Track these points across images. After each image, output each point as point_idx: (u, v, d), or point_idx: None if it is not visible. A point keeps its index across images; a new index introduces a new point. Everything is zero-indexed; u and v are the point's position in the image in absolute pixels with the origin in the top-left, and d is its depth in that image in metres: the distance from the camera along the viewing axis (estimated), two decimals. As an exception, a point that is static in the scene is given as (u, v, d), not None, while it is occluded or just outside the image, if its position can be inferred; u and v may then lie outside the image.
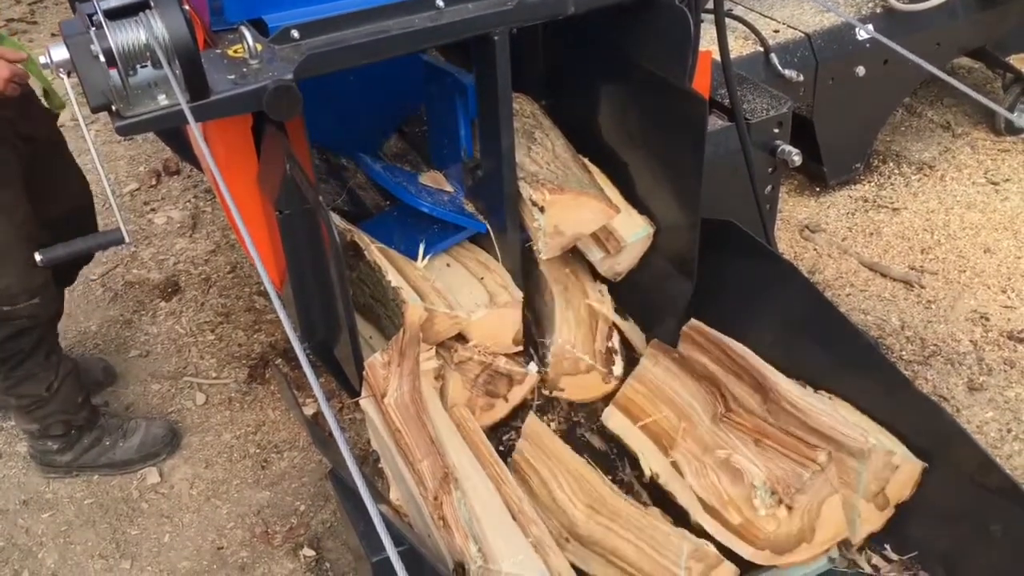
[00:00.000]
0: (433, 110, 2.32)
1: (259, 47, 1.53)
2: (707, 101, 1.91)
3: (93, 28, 1.36)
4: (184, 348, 2.97)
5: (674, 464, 1.94)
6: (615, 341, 2.22)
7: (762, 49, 3.04)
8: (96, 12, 1.35)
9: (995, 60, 3.67)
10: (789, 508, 1.77)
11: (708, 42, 2.16)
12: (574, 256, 2.25)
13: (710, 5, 2.20)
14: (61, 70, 1.44)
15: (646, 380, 2.10)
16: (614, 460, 2.10)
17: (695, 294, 2.07)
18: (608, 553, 1.82)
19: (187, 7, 1.37)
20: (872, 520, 1.85)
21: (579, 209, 2.02)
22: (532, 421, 2.09)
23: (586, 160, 2.18)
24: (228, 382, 2.83)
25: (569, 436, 2.16)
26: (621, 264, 2.17)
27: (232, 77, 1.49)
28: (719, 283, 2.07)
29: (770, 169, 2.67)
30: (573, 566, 1.79)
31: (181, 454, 2.62)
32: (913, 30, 3.21)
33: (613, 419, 2.12)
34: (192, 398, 2.79)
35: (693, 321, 2.08)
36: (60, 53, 1.43)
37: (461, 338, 2.03)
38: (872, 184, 3.54)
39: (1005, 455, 2.44)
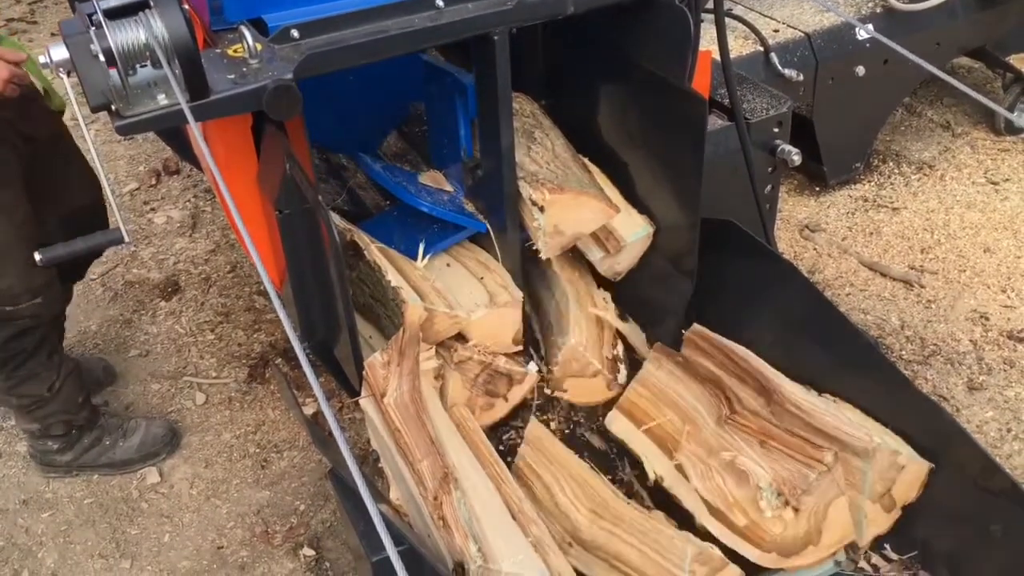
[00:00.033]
0: (433, 110, 2.32)
1: (259, 47, 1.53)
2: (707, 101, 1.91)
3: (93, 28, 1.36)
4: (184, 348, 2.97)
5: (679, 467, 1.93)
6: (619, 349, 2.22)
7: (762, 49, 3.04)
8: (96, 12, 1.35)
9: (995, 60, 3.67)
10: (796, 510, 1.76)
11: (708, 42, 2.16)
12: (580, 261, 2.25)
13: (710, 5, 2.20)
14: (61, 70, 1.44)
15: (649, 384, 2.10)
16: (614, 460, 2.10)
17: (695, 294, 2.07)
18: (611, 558, 1.81)
19: (187, 7, 1.37)
20: (879, 522, 1.83)
21: (579, 209, 2.02)
22: (534, 426, 2.08)
23: (586, 160, 2.18)
24: (228, 382, 2.83)
25: (569, 436, 2.16)
26: (621, 264, 2.17)
27: (232, 77, 1.49)
28: (719, 283, 2.07)
29: (770, 169, 2.67)
30: (577, 571, 1.78)
31: (181, 454, 2.62)
32: (913, 30, 3.21)
33: (617, 423, 2.10)
34: (192, 398, 2.79)
35: (696, 326, 2.07)
36: (60, 53, 1.43)
37: (461, 338, 2.03)
38: (872, 184, 3.54)
39: (1005, 454, 2.44)
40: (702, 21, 2.00)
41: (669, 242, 2.11)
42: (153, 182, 3.80)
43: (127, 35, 1.33)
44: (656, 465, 1.99)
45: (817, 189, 3.51)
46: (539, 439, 2.04)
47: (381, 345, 1.96)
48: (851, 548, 1.85)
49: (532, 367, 2.18)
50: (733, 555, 1.79)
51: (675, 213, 2.05)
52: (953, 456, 1.76)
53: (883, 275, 3.09)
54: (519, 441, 2.12)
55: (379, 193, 2.47)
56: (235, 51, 1.55)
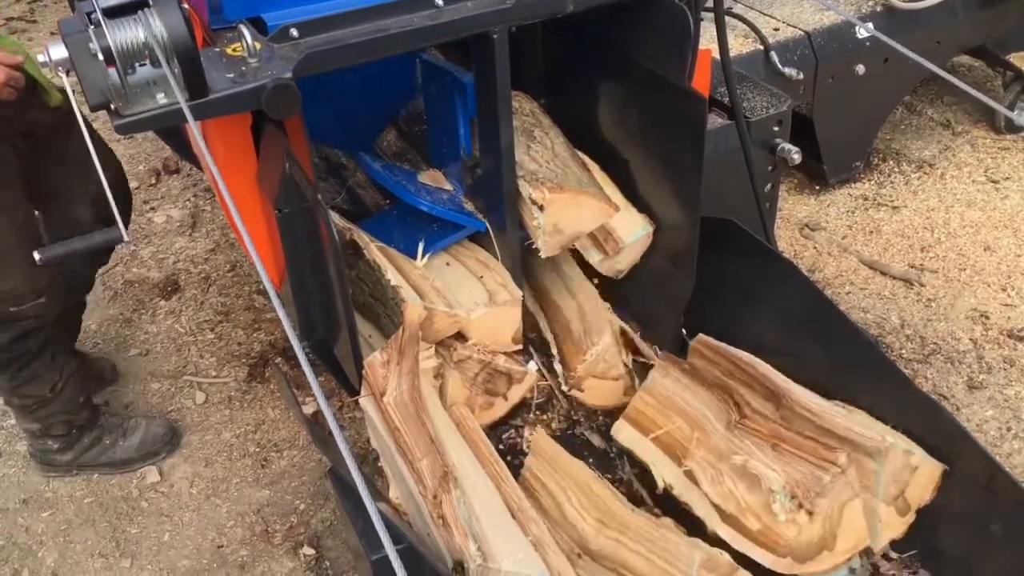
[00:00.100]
0: (432, 109, 2.32)
1: (258, 46, 1.53)
2: (707, 99, 1.91)
3: (92, 26, 1.36)
4: (184, 347, 2.97)
5: (689, 473, 1.90)
6: (629, 358, 2.22)
7: (762, 47, 3.03)
8: (95, 11, 1.34)
9: (995, 58, 3.67)
10: (810, 513, 1.74)
11: (708, 40, 2.16)
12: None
13: (710, 3, 2.20)
14: (60, 68, 1.44)
15: (656, 392, 2.07)
16: (613, 459, 2.10)
17: (695, 293, 2.07)
18: (619, 567, 1.80)
19: (186, 6, 1.37)
20: (893, 526, 1.80)
21: (578, 208, 2.02)
22: (540, 436, 2.07)
23: (585, 158, 2.18)
24: (228, 381, 2.83)
25: (569, 435, 2.16)
26: (622, 263, 2.17)
27: (231, 76, 1.49)
28: (719, 282, 2.07)
29: (770, 167, 2.67)
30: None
31: (181, 453, 2.62)
32: (913, 28, 3.21)
33: (623, 432, 2.08)
34: (192, 397, 2.79)
35: (701, 336, 2.05)
36: (59, 52, 1.43)
37: (460, 337, 2.03)
38: (872, 182, 3.54)
39: (1005, 453, 2.44)
40: (702, 20, 2.00)
41: (669, 241, 2.11)
42: (153, 181, 3.80)
43: (126, 34, 1.33)
44: (665, 473, 1.96)
45: (817, 188, 3.51)
46: (544, 449, 2.03)
47: (381, 344, 1.96)
48: (866, 553, 1.82)
49: (532, 366, 2.18)
50: (748, 563, 1.76)
51: (675, 212, 2.05)
52: (953, 455, 1.76)
53: (883, 274, 3.09)
54: (519, 440, 2.12)
55: (378, 192, 2.47)
56: (234, 50, 1.55)
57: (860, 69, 3.17)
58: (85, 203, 2.32)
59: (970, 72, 4.12)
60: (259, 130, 1.84)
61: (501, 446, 2.11)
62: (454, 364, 2.01)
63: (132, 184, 3.77)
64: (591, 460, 2.08)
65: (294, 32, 1.58)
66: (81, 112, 1.53)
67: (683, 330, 2.18)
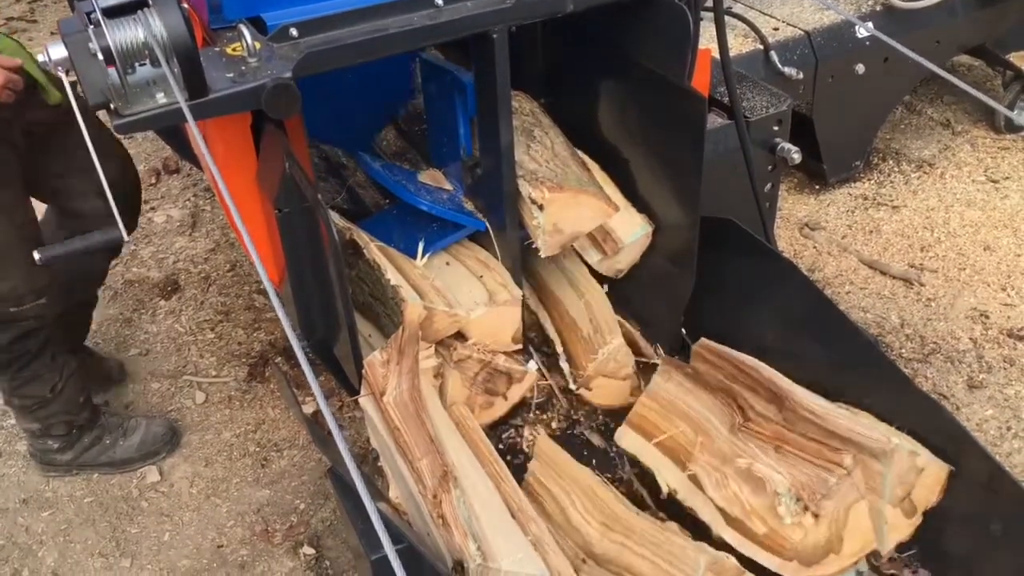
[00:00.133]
0: (432, 108, 2.32)
1: (258, 45, 1.53)
2: (706, 99, 1.91)
3: (91, 26, 1.36)
4: (184, 346, 2.97)
5: (693, 477, 1.89)
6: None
7: (762, 47, 3.03)
8: (94, 10, 1.34)
9: (995, 58, 3.66)
10: (816, 516, 1.72)
11: (707, 40, 2.16)
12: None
13: (709, 3, 2.20)
14: (60, 68, 1.44)
15: (658, 397, 2.06)
16: (613, 458, 2.10)
17: (694, 292, 2.07)
18: (624, 571, 1.79)
19: (185, 5, 1.37)
20: (900, 528, 1.79)
21: (578, 207, 2.02)
22: (543, 440, 2.07)
23: (585, 158, 2.18)
24: (228, 380, 2.83)
25: (568, 434, 2.16)
26: (622, 262, 2.17)
27: (231, 75, 1.49)
28: (718, 281, 2.07)
29: (769, 167, 2.67)
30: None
31: (181, 452, 2.62)
32: (913, 28, 3.21)
33: (627, 438, 2.07)
34: (192, 396, 2.79)
35: (703, 340, 2.04)
36: (59, 51, 1.43)
37: (460, 336, 2.03)
38: (872, 182, 3.54)
39: (1005, 453, 2.44)
40: (701, 19, 2.00)
41: (668, 241, 2.11)
42: (153, 181, 3.80)
43: (126, 34, 1.33)
44: (669, 478, 1.94)
45: (817, 187, 3.51)
46: (548, 454, 2.02)
47: (380, 344, 1.96)
48: (873, 556, 1.81)
49: (532, 365, 2.18)
50: (753, 566, 1.75)
51: (674, 211, 2.05)
52: (953, 455, 1.76)
53: (883, 273, 3.09)
54: (519, 440, 2.12)
55: (378, 192, 2.47)
56: (234, 50, 1.55)
57: (860, 68, 3.17)
58: (93, 195, 2.30)
59: (970, 72, 4.12)
60: (259, 130, 1.84)
61: (501, 446, 2.11)
62: (454, 364, 2.01)
63: (132, 184, 3.78)
64: (591, 460, 2.08)
65: (294, 32, 1.58)
66: (80, 110, 1.53)
67: (683, 330, 2.18)
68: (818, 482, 1.74)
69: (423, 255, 2.08)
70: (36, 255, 1.75)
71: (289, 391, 2.25)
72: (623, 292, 2.23)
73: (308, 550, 2.32)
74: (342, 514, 1.99)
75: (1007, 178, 3.49)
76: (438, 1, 1.68)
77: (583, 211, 2.03)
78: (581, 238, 2.13)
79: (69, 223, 2.34)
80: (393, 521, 1.68)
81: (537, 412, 2.17)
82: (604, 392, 2.18)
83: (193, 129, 1.35)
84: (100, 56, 1.34)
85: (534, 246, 2.07)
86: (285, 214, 1.82)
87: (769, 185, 2.68)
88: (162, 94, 1.42)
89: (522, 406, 2.17)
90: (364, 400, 1.90)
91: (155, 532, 2.41)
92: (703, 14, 2.09)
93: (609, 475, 2.05)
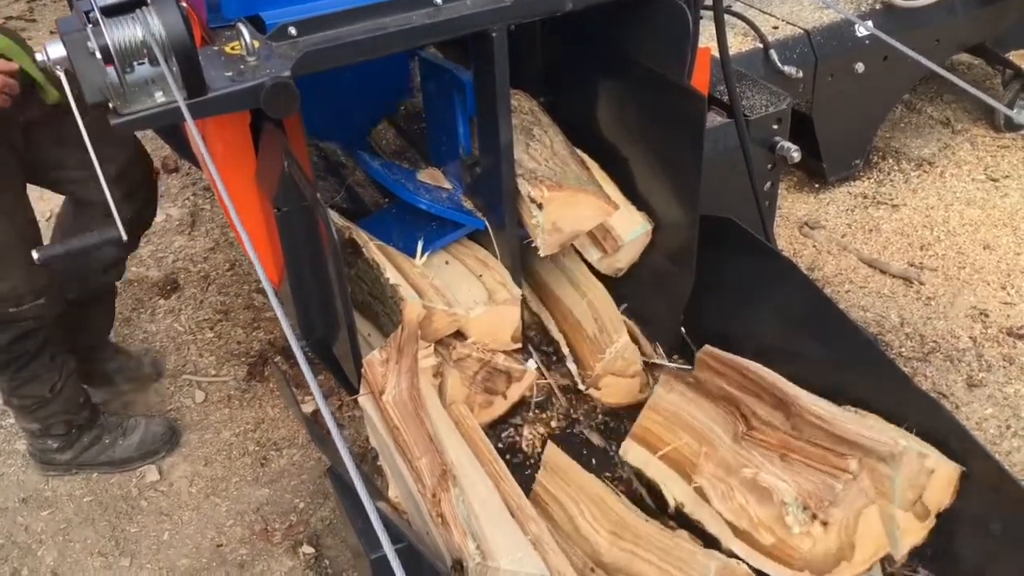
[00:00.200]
0: (431, 107, 2.32)
1: (256, 44, 1.53)
2: (706, 98, 1.91)
3: (90, 25, 1.36)
4: (183, 346, 2.97)
5: (699, 490, 1.87)
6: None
7: (761, 46, 3.03)
8: (93, 9, 1.34)
9: (995, 56, 3.66)
10: (824, 524, 1.70)
11: (707, 39, 2.15)
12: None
13: (709, 1, 2.20)
14: (58, 67, 1.44)
15: (661, 408, 2.04)
16: (613, 458, 2.10)
17: (694, 291, 2.07)
18: None
19: (184, 4, 1.37)
20: (913, 532, 1.75)
21: (577, 206, 2.02)
22: (552, 450, 2.06)
23: (585, 156, 2.18)
24: (227, 380, 2.83)
25: (568, 434, 2.16)
26: (621, 261, 2.17)
27: (229, 74, 1.49)
28: (718, 280, 2.06)
29: (769, 166, 2.67)
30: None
31: (180, 452, 2.62)
32: (913, 26, 3.21)
33: (632, 453, 2.05)
34: (191, 396, 2.79)
35: (707, 348, 2.02)
36: (57, 50, 1.42)
37: (460, 335, 2.03)
38: (871, 180, 3.54)
39: (1004, 451, 2.44)
40: (701, 18, 1.99)
41: (668, 239, 2.10)
42: (152, 180, 3.79)
43: (124, 32, 1.33)
44: (675, 491, 1.92)
45: (816, 186, 3.51)
46: (555, 463, 2.01)
47: (380, 343, 1.96)
48: (887, 561, 1.78)
49: (531, 364, 2.18)
50: None
51: (674, 210, 2.05)
52: (953, 454, 1.76)
53: (882, 272, 3.09)
54: (518, 439, 2.12)
55: (378, 191, 2.47)
56: (232, 48, 1.54)
57: (860, 67, 3.17)
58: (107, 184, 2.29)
59: (969, 70, 4.12)
60: (258, 128, 1.84)
61: (500, 444, 2.11)
62: (453, 363, 2.01)
63: (131, 183, 3.78)
64: (591, 459, 2.08)
65: (292, 30, 1.58)
66: (78, 110, 1.53)
67: (682, 328, 2.18)
68: (824, 489, 1.71)
69: (422, 254, 2.08)
70: (34, 254, 1.75)
71: (288, 390, 2.25)
72: (622, 291, 2.23)
73: (307, 549, 2.32)
74: (341, 513, 1.99)
75: (1007, 177, 3.49)
76: (437, 0, 1.67)
77: (582, 210, 2.03)
78: (581, 236, 2.13)
79: (83, 214, 2.34)
80: (392, 520, 1.68)
81: (536, 411, 2.17)
82: (613, 391, 2.18)
83: (192, 128, 1.34)
84: (99, 55, 1.34)
85: (533, 245, 2.06)
86: (284, 213, 1.82)
87: (769, 184, 2.68)
88: (161, 93, 1.42)
89: (521, 405, 2.17)
90: (363, 399, 1.90)
91: (154, 531, 2.41)
92: (703, 12, 2.08)
93: (609, 474, 2.05)
